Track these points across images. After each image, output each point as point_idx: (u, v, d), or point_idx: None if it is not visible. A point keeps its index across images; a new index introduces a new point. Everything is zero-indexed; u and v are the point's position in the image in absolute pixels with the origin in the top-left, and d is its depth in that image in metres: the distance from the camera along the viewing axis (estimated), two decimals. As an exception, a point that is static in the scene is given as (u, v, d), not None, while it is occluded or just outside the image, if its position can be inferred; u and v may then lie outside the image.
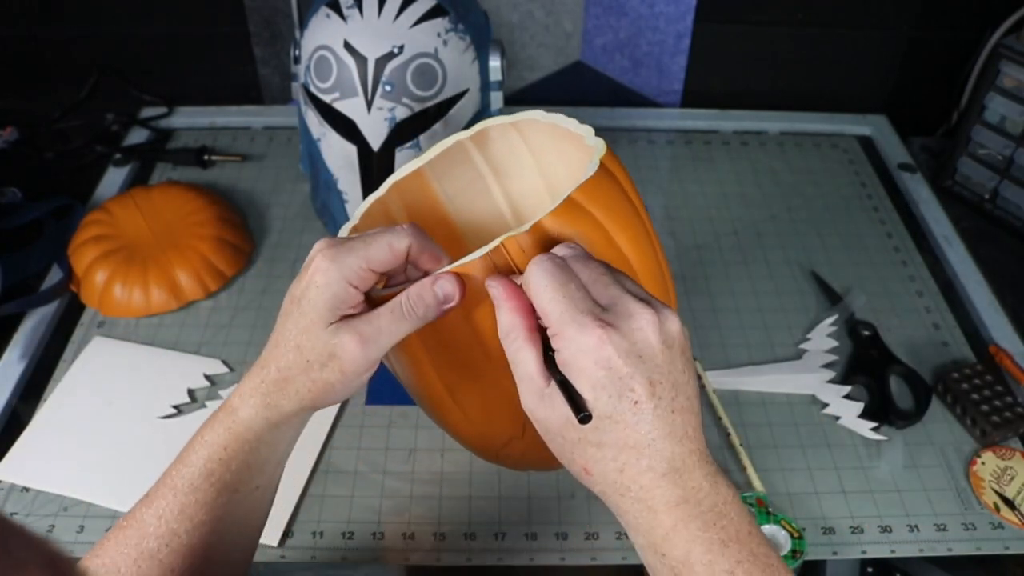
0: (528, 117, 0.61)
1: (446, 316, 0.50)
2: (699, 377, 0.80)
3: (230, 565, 0.53)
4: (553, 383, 0.45)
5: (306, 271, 0.49)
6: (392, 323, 0.49)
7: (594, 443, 0.44)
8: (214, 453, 0.50)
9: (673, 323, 0.45)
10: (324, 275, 0.48)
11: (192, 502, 0.50)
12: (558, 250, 0.49)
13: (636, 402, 0.43)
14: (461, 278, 0.49)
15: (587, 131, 0.57)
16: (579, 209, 0.51)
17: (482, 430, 0.58)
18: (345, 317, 0.49)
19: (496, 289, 0.48)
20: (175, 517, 0.50)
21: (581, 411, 0.44)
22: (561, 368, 0.45)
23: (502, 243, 0.49)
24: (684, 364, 0.46)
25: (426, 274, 0.50)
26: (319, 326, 0.48)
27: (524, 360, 0.46)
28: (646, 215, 0.56)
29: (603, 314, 0.44)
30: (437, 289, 0.49)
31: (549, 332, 0.46)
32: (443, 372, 0.54)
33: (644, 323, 0.44)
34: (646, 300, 0.46)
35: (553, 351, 0.45)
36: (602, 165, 0.53)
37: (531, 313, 0.47)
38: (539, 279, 0.46)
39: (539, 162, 0.65)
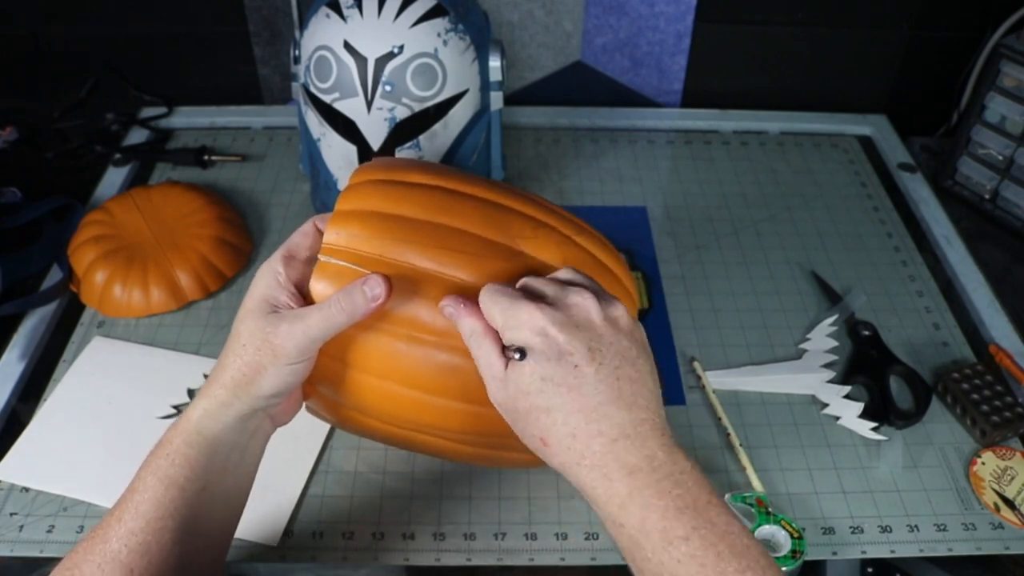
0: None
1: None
2: (699, 378, 0.80)
3: (193, 570, 0.54)
4: (510, 364, 0.49)
5: None
6: (323, 318, 0.53)
7: (543, 408, 0.48)
8: (160, 449, 0.54)
9: (618, 309, 0.50)
10: (258, 275, 0.57)
11: (145, 500, 0.52)
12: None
13: (576, 366, 0.47)
14: (387, 278, 0.54)
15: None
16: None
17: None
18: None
19: (451, 307, 0.53)
20: (131, 516, 0.52)
21: (517, 351, 0.48)
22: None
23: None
24: (631, 342, 0.50)
25: None
26: (256, 314, 0.54)
27: (486, 351, 0.51)
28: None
29: (541, 300, 0.50)
30: (367, 289, 0.53)
31: (499, 330, 0.51)
32: (355, 359, 0.57)
33: (580, 300, 0.49)
34: (591, 289, 0.51)
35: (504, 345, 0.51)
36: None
37: (484, 319, 0.52)
38: (484, 295, 0.52)
39: None
